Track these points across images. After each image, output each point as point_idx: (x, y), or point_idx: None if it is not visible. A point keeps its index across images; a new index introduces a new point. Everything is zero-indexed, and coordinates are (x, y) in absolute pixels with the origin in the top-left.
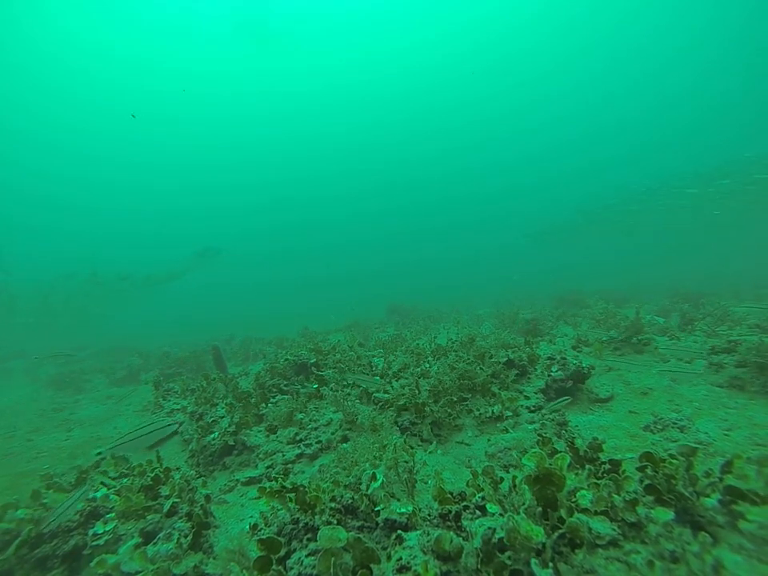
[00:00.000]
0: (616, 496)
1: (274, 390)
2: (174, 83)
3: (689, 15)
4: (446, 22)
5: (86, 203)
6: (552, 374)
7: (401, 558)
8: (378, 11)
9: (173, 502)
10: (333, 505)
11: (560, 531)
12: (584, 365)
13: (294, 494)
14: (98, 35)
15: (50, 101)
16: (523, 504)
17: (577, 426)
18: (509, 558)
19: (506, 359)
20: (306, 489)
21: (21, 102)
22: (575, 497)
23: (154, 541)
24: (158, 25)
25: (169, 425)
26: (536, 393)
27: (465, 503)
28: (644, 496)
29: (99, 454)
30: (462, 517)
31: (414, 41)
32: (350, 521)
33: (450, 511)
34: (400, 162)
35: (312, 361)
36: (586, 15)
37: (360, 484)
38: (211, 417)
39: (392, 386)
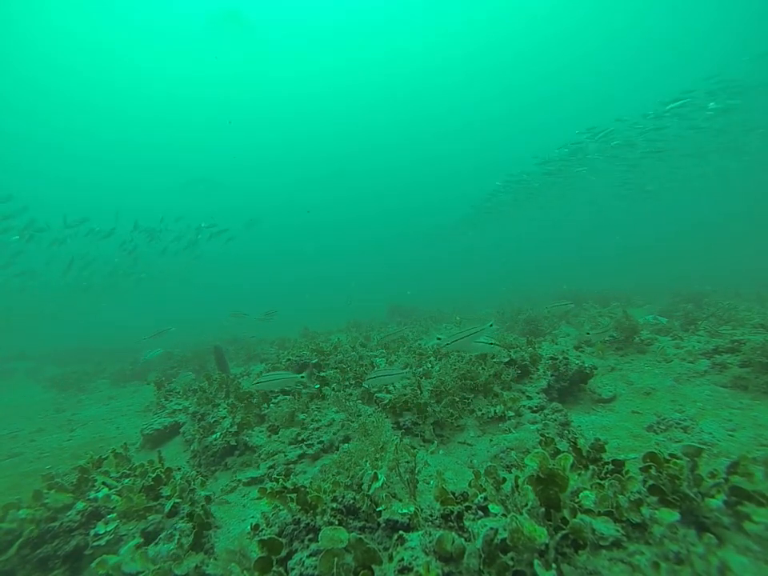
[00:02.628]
0: (620, 496)
1: (276, 390)
2: (174, 85)
3: (689, 18)
4: (441, 26)
5: (81, 203)
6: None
7: (402, 559)
8: (371, 16)
9: (174, 503)
10: (334, 505)
11: (563, 532)
12: (586, 365)
13: (295, 495)
14: (96, 36)
15: (45, 101)
16: (526, 504)
17: (579, 426)
18: (511, 558)
19: (507, 359)
20: (308, 489)
21: (17, 102)
22: (578, 497)
23: (156, 541)
24: (157, 27)
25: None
26: (538, 393)
27: (467, 504)
28: (648, 497)
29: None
30: (464, 517)
31: (407, 45)
32: (351, 521)
33: (452, 512)
34: (401, 164)
35: (314, 361)
36: (585, 17)
37: (362, 484)
38: (213, 417)
39: (394, 386)
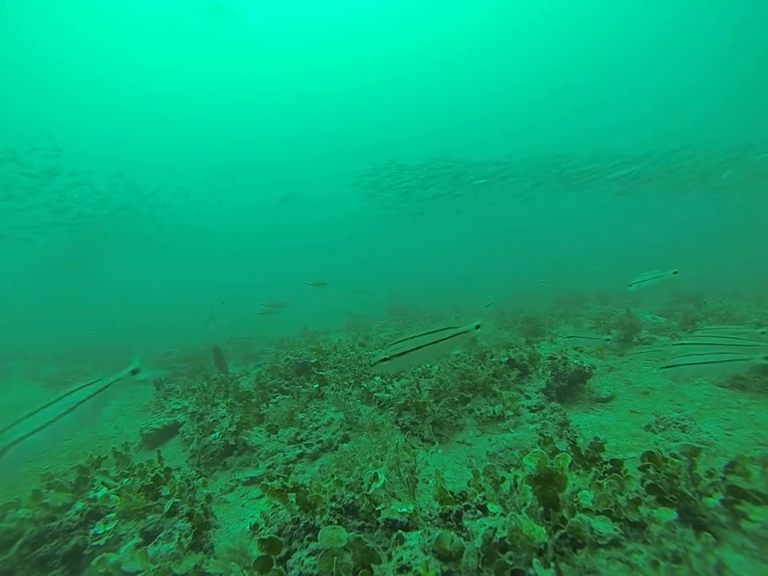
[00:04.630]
0: (618, 496)
1: (275, 389)
2: (173, 85)
3: (691, 17)
4: (438, 25)
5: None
6: None
7: (401, 558)
8: (367, 15)
9: (173, 502)
10: (333, 505)
11: (562, 531)
12: (585, 364)
13: (294, 494)
14: (90, 33)
15: (45, 100)
16: (525, 504)
17: (578, 425)
18: (510, 557)
19: (506, 359)
20: (307, 489)
21: (18, 101)
22: (577, 496)
23: (155, 541)
24: (156, 26)
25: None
26: (537, 392)
27: (466, 503)
28: (646, 496)
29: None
30: (463, 516)
31: (400, 47)
32: (350, 521)
33: (451, 511)
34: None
35: (313, 360)
36: (586, 16)
37: (361, 484)
38: (212, 417)
39: (393, 386)
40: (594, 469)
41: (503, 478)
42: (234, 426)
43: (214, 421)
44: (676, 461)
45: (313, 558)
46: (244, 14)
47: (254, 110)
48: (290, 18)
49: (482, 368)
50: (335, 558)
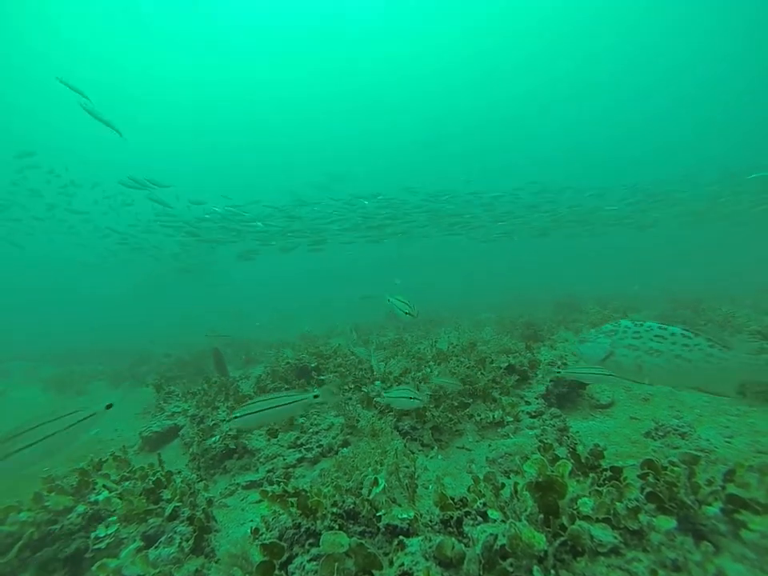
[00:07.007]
0: (618, 503)
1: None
2: (172, 89)
3: (693, 21)
4: (437, 29)
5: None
6: None
7: (403, 564)
8: (363, 19)
9: (175, 506)
10: (335, 510)
11: (562, 538)
12: None
13: (295, 499)
14: (98, 37)
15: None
16: (525, 511)
17: (578, 432)
18: (510, 564)
19: (506, 364)
20: (308, 493)
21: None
22: (576, 504)
23: (156, 544)
24: (154, 30)
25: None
26: (537, 398)
27: (466, 509)
28: (646, 504)
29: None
30: (464, 523)
31: (393, 52)
32: (351, 526)
33: (452, 517)
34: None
35: (313, 365)
36: (589, 21)
37: (362, 489)
38: (212, 420)
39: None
40: (591, 475)
41: (503, 485)
42: (235, 430)
43: (214, 424)
44: (675, 469)
45: (314, 563)
46: (233, 17)
47: (250, 113)
48: (282, 20)
49: (481, 373)
50: (337, 563)
